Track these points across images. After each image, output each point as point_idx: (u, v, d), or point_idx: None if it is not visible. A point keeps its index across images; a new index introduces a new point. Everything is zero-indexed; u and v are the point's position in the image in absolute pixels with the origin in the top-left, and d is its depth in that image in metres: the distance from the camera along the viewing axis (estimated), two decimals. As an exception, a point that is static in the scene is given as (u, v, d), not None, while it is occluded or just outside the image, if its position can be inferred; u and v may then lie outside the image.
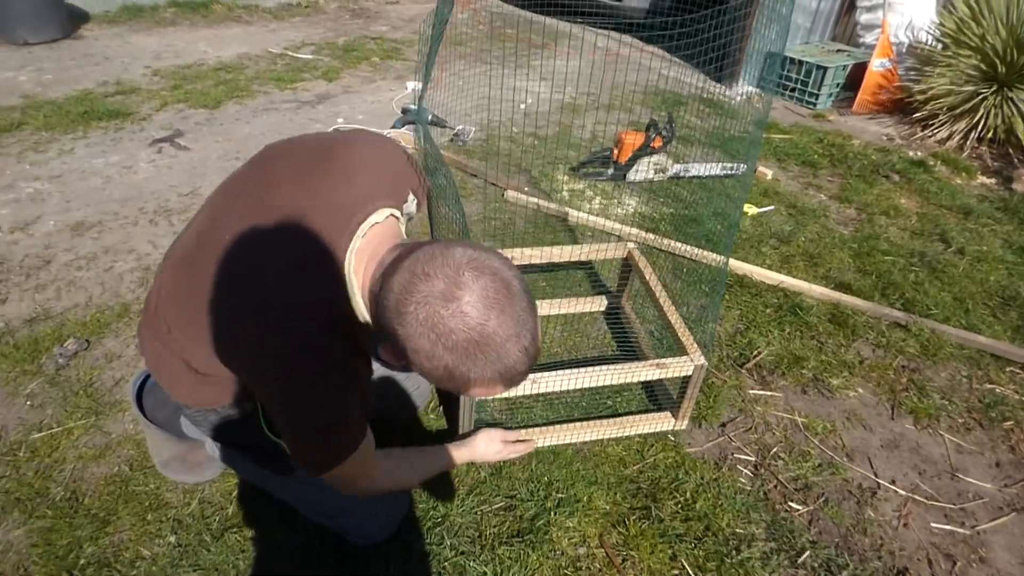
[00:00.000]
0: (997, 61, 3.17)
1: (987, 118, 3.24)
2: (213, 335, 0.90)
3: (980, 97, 3.23)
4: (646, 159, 2.71)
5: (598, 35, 4.64)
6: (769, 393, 1.73)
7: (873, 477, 1.52)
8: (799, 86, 3.85)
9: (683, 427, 1.59)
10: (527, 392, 1.38)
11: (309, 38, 4.58)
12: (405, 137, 3.04)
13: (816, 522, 1.40)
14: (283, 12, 5.18)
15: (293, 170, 0.93)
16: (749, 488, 1.46)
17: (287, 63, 4.03)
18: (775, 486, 1.48)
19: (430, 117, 3.08)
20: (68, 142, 2.84)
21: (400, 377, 1.48)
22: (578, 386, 1.41)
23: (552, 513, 1.35)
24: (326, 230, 0.86)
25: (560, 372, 1.38)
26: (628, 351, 1.81)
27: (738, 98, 3.84)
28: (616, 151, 2.74)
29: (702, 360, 1.44)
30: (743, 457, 1.54)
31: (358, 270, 0.86)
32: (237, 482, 1.38)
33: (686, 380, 1.48)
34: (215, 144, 2.92)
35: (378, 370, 1.46)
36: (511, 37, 4.72)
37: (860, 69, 3.75)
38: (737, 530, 1.36)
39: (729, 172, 2.82)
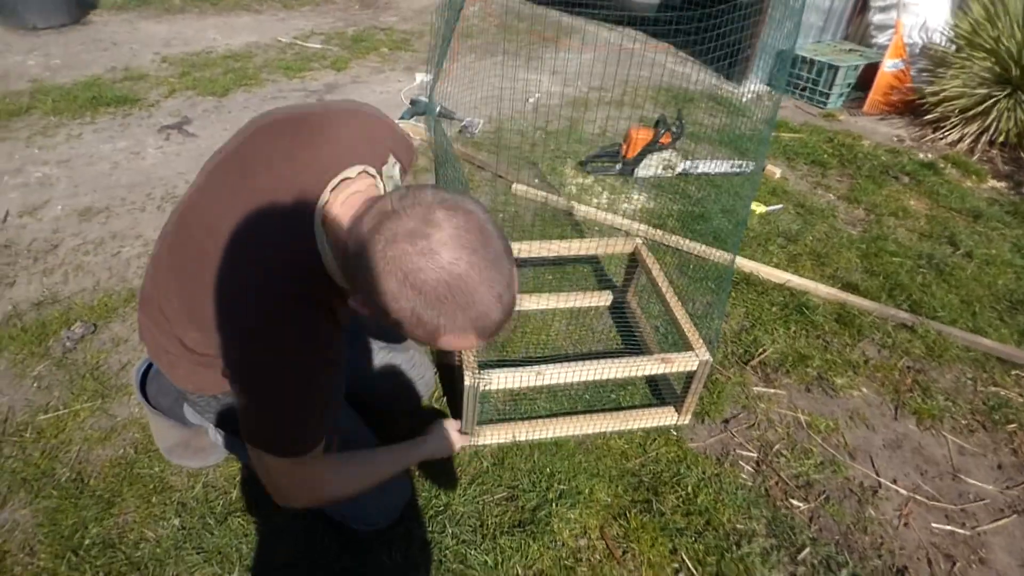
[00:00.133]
0: (1012, 64, 3.14)
1: (999, 121, 3.22)
2: (196, 307, 0.89)
3: (993, 100, 3.20)
4: (654, 155, 2.70)
5: (610, 30, 4.62)
6: (773, 391, 1.73)
7: (875, 476, 1.52)
8: (810, 85, 3.83)
9: (686, 422, 1.59)
10: (531, 384, 1.39)
11: (318, 27, 4.57)
12: (413, 128, 3.03)
13: (817, 519, 1.40)
14: (292, 1, 5.17)
15: (270, 140, 0.91)
16: (750, 484, 1.47)
17: (296, 52, 4.03)
18: (776, 483, 1.48)
19: (438, 109, 3.07)
20: (76, 127, 2.85)
21: (404, 366, 1.48)
22: (582, 379, 1.41)
23: (554, 504, 1.36)
24: (298, 193, 0.83)
25: (565, 364, 1.38)
26: (633, 346, 1.81)
27: (747, 96, 3.82)
28: (625, 146, 2.73)
29: (707, 356, 1.44)
30: (745, 453, 1.54)
31: (328, 224, 0.82)
32: (240, 467, 1.39)
33: (690, 376, 1.48)
34: (223, 132, 2.93)
35: (381, 359, 1.46)
36: (521, 30, 4.70)
37: (872, 69, 3.72)
38: (738, 526, 1.36)
39: (737, 170, 2.81)
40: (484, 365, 1.35)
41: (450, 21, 1.26)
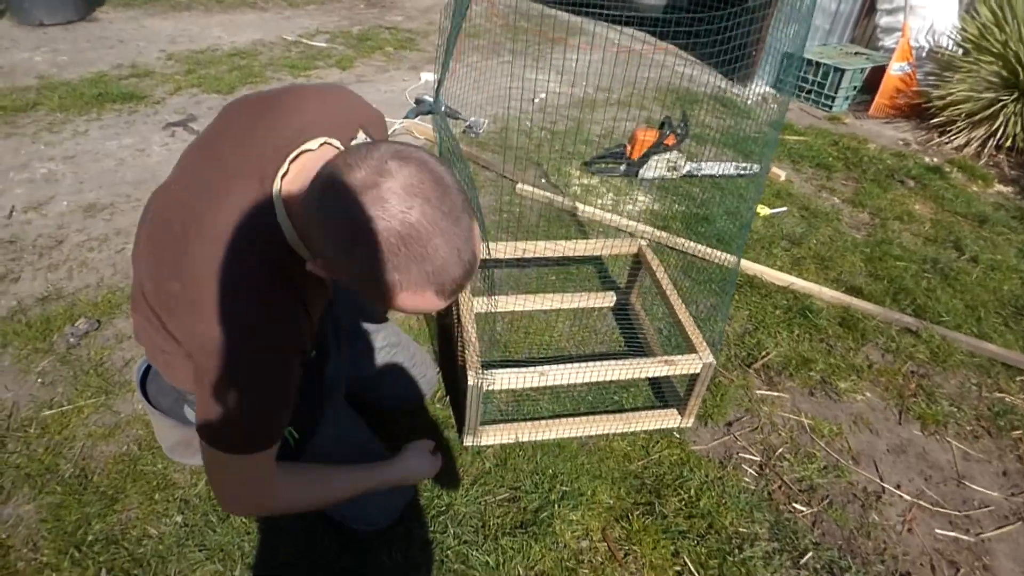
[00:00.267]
0: (1019, 68, 3.13)
1: (1006, 126, 3.20)
2: (162, 288, 0.85)
3: (1000, 104, 3.19)
4: (659, 156, 2.69)
5: (616, 31, 4.61)
6: (776, 394, 1.73)
7: (879, 481, 1.51)
8: (815, 88, 3.82)
9: (689, 425, 1.58)
10: (535, 384, 1.39)
11: (323, 26, 4.58)
12: (418, 128, 3.03)
13: (820, 524, 1.40)
14: (298, -1, 5.18)
15: (237, 120, 0.89)
16: (753, 488, 1.46)
17: (301, 50, 4.03)
18: (779, 487, 1.47)
19: (443, 108, 3.07)
20: (82, 123, 2.86)
21: (406, 364, 1.48)
22: (585, 380, 1.41)
23: (556, 506, 1.35)
24: (261, 168, 0.81)
25: (568, 365, 1.38)
26: (636, 347, 1.81)
27: (752, 98, 3.81)
28: (629, 147, 2.73)
29: (711, 358, 1.44)
30: (748, 457, 1.54)
31: (285, 193, 0.79)
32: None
33: (693, 378, 1.48)
34: (228, 129, 2.93)
35: (383, 357, 1.46)
36: (526, 30, 4.69)
37: (878, 72, 3.72)
38: (740, 529, 1.36)
39: (742, 172, 2.81)
40: (487, 365, 1.35)
41: (456, 23, 1.26)
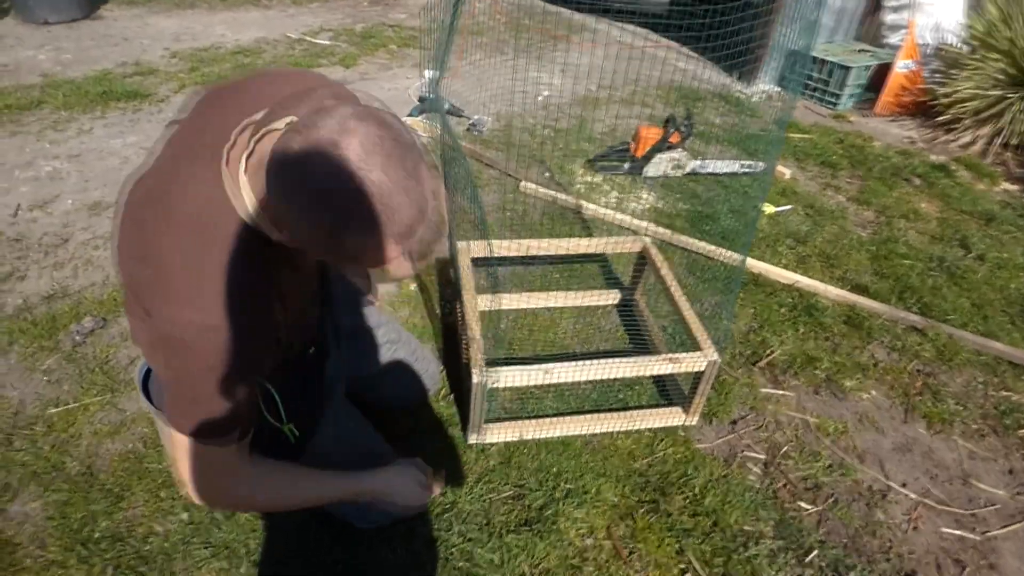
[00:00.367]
0: (1025, 65, 3.11)
1: (1013, 123, 3.18)
2: (133, 275, 0.83)
3: (1007, 102, 3.17)
4: (663, 154, 2.69)
5: (620, 29, 4.60)
6: (781, 392, 1.72)
7: (884, 480, 1.51)
8: (820, 85, 3.80)
9: (693, 423, 1.58)
10: (539, 382, 1.38)
11: (327, 24, 4.58)
12: (421, 125, 3.03)
13: (825, 522, 1.40)
14: (302, -3, 5.18)
15: (204, 105, 0.89)
16: (758, 486, 1.46)
17: (305, 48, 4.03)
18: (784, 485, 1.47)
19: (447, 106, 3.07)
20: (87, 122, 2.86)
21: (408, 360, 1.48)
22: (590, 378, 1.41)
23: (560, 503, 1.35)
24: (225, 152, 0.78)
25: (572, 363, 1.38)
26: (640, 345, 1.81)
27: (757, 96, 3.79)
28: (634, 145, 2.72)
29: (715, 356, 1.43)
30: (753, 455, 1.54)
31: (251, 174, 0.76)
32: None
33: (698, 376, 1.48)
34: (232, 127, 2.93)
35: (384, 354, 1.45)
36: (530, 28, 4.69)
37: (883, 70, 3.69)
38: (745, 527, 1.36)
39: (747, 170, 2.80)
40: (492, 363, 1.34)
41: (448, 20, 1.25)
